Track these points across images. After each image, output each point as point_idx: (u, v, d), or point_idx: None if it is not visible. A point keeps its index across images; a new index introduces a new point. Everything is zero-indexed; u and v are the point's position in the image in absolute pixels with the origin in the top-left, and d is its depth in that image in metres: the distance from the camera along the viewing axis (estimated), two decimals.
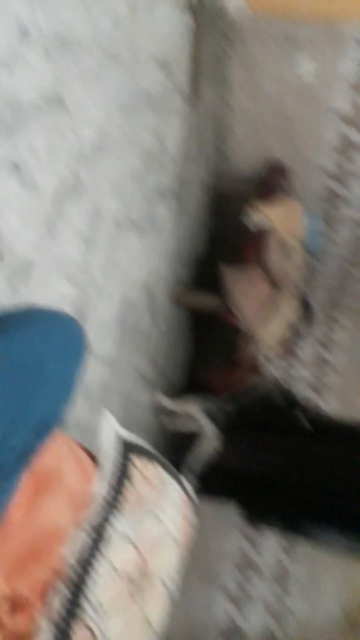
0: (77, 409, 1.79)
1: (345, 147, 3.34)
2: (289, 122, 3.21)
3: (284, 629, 3.38)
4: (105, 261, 1.81)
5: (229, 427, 3.27)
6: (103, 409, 1.15)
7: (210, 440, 3.15)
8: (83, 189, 1.53)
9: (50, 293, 1.49)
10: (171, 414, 3.31)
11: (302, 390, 4.41)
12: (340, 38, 2.85)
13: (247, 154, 3.38)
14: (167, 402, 3.19)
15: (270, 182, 3.43)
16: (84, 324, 1.73)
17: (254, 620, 3.43)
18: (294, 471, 3.45)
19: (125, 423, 1.19)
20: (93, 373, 1.88)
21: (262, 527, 3.62)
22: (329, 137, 3.28)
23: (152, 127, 1.92)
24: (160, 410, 3.26)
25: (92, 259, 1.72)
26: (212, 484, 3.61)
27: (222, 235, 3.72)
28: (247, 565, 3.60)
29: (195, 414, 3.25)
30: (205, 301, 3.11)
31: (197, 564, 3.55)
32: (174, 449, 3.85)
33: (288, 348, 4.23)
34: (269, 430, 3.80)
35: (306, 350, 4.55)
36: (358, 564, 3.49)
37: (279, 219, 3.23)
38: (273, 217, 3.21)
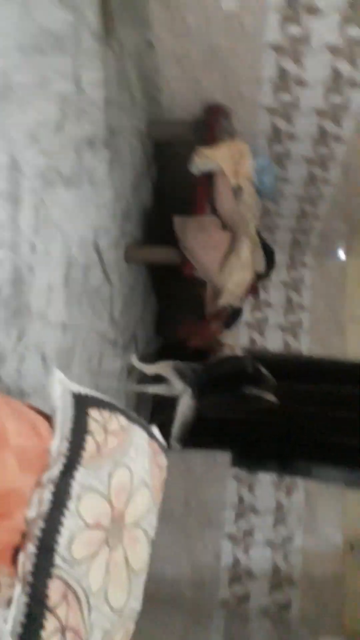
0: (35, 375, 1.72)
1: (284, 80, 3.22)
2: (220, 59, 3.06)
3: (288, 561, 3.47)
4: (36, 219, 1.71)
5: (204, 385, 3.25)
6: (53, 369, 1.09)
7: (185, 399, 3.13)
8: None
9: None
10: (144, 378, 3.27)
11: (276, 334, 4.43)
12: None
13: (181, 97, 3.24)
14: (138, 364, 3.15)
15: (211, 125, 3.30)
16: (25, 287, 1.64)
17: (258, 557, 3.52)
18: (280, 413, 3.48)
19: (94, 388, 1.15)
20: (46, 338, 1.81)
21: (257, 470, 3.67)
22: (266, 71, 3.15)
23: (63, 69, 1.79)
24: (133, 374, 3.22)
25: (20, 217, 1.62)
26: (201, 437, 3.63)
27: (168, 186, 3.61)
28: (246, 509, 3.67)
29: (168, 375, 3.21)
30: (160, 255, 3.03)
31: (199, 513, 3.61)
32: (152, 413, 3.84)
33: (255, 294, 4.21)
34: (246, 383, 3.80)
35: (274, 294, 4.54)
36: (353, 493, 3.58)
37: (225, 162, 3.12)
38: (219, 160, 3.09)
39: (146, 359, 3.29)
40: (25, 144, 1.61)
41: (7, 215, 1.54)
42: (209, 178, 3.10)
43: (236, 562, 3.51)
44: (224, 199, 3.07)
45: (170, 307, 3.85)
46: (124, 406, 1.18)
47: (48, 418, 1.08)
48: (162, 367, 3.17)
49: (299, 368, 3.94)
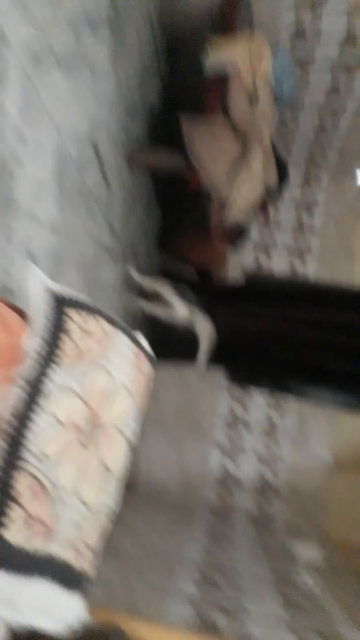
0: (22, 274, 1.64)
1: None
2: None
3: (275, 474, 3.60)
4: (24, 102, 1.54)
5: (203, 304, 3.18)
6: (28, 263, 1.00)
7: (203, 324, 3.09)
8: None
9: None
10: (142, 293, 3.18)
11: (282, 257, 4.29)
12: None
13: None
14: (137, 276, 3.05)
15: (230, 14, 2.96)
16: (11, 180, 1.51)
17: (246, 468, 3.65)
18: (279, 335, 3.44)
19: (89, 296, 1.09)
20: (35, 236, 1.70)
21: (250, 388, 3.72)
22: None
23: None
24: (131, 288, 3.14)
25: (5, 97, 1.45)
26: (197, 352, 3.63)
27: (178, 82, 3.31)
28: (237, 423, 3.75)
29: (168, 296, 3.13)
30: (164, 160, 2.82)
31: (190, 421, 3.71)
32: (149, 329, 3.82)
33: (265, 212, 4.01)
34: (249, 301, 3.74)
35: (284, 213, 4.34)
36: (346, 415, 3.64)
37: (241, 58, 2.81)
38: (235, 56, 2.79)
39: (146, 276, 3.19)
40: (12, 12, 1.41)
41: None
42: (222, 77, 2.82)
43: (224, 470, 3.65)
44: (237, 102, 2.81)
45: (174, 221, 3.68)
46: (120, 316, 1.12)
47: (23, 314, 1.02)
48: (163, 287, 3.07)
49: (302, 292, 3.85)
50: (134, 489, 3.31)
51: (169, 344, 3.69)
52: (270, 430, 3.72)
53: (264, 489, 3.62)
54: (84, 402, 0.95)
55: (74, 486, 0.89)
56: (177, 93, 3.33)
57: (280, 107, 3.54)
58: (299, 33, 3.25)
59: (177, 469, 3.57)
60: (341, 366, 3.27)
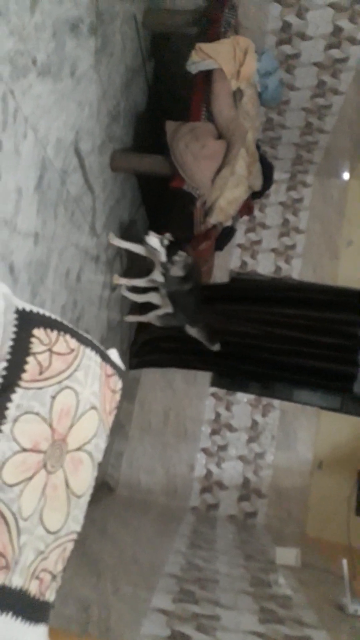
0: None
1: None
2: None
3: (258, 475, 3.64)
4: (3, 113, 1.52)
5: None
6: None
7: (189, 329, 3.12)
8: None
9: None
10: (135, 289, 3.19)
11: (268, 257, 4.31)
12: None
13: None
14: (117, 241, 2.95)
15: (215, 16, 2.94)
16: None
17: (230, 470, 3.69)
18: (262, 335, 3.47)
19: (72, 304, 1.07)
20: (15, 247, 1.69)
21: (237, 390, 3.75)
22: None
23: None
24: (117, 290, 3.13)
25: None
26: (185, 356, 3.65)
27: (164, 86, 3.29)
28: (222, 426, 3.78)
29: (155, 300, 3.16)
30: (149, 164, 2.81)
31: (176, 426, 3.73)
32: (136, 330, 3.82)
33: (250, 214, 4.02)
34: (234, 302, 3.75)
35: (270, 215, 4.36)
36: (326, 413, 3.68)
37: (226, 61, 2.80)
38: (219, 58, 2.77)
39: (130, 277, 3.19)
40: None
41: None
42: (207, 79, 2.81)
43: (209, 473, 3.68)
44: (221, 104, 2.80)
45: (159, 221, 3.68)
46: (104, 326, 1.11)
47: None
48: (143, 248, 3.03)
49: (286, 293, 3.87)
50: (117, 494, 3.33)
51: (155, 347, 3.71)
52: (253, 430, 3.76)
53: (246, 489, 3.66)
54: (49, 424, 0.93)
55: (39, 515, 0.87)
56: (162, 97, 3.31)
57: (266, 107, 3.54)
58: (284, 34, 3.25)
59: (162, 474, 3.59)
60: (323, 365, 3.31)
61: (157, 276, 2.95)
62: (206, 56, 2.76)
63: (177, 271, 2.87)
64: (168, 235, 2.84)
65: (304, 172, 4.48)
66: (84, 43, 2.01)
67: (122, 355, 1.26)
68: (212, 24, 2.91)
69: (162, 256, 2.80)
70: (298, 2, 3.07)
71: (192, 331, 3.16)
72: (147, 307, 3.30)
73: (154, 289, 3.13)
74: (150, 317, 3.23)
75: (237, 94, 2.92)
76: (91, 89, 2.17)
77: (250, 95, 3.04)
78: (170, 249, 2.83)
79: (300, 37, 3.26)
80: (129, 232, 3.22)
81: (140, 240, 2.88)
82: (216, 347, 3.22)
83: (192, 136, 2.74)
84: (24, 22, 1.56)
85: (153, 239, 2.76)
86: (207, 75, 2.79)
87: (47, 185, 1.85)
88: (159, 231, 2.88)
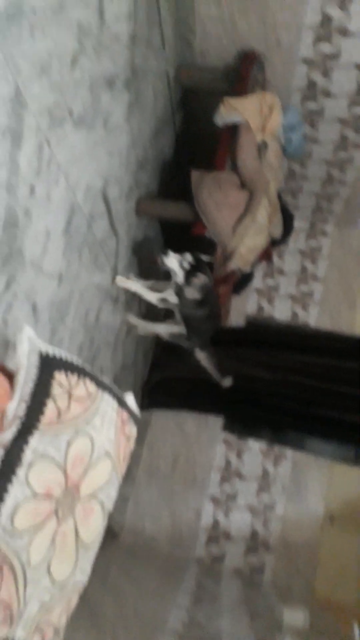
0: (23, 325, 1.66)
1: (327, 29, 2.96)
2: (261, 1, 2.82)
3: (266, 527, 3.53)
4: (39, 160, 1.60)
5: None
6: (24, 325, 1.01)
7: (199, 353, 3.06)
8: None
9: None
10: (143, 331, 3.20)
11: (285, 304, 4.32)
12: None
13: (214, 41, 3.00)
14: (134, 321, 3.04)
15: (244, 73, 3.07)
16: (20, 233, 1.55)
17: (238, 521, 3.58)
18: (277, 382, 3.44)
19: (89, 343, 1.08)
20: (39, 287, 1.73)
21: (248, 437, 3.69)
22: (309, 18, 2.89)
23: None
24: (132, 331, 3.16)
25: (20, 156, 1.50)
26: (197, 399, 3.62)
27: (191, 136, 3.41)
28: (232, 474, 3.70)
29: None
30: (173, 211, 2.89)
31: (185, 472, 3.66)
32: (150, 369, 3.82)
33: (269, 261, 4.07)
34: (249, 347, 3.75)
35: (288, 261, 4.40)
36: (339, 466, 3.59)
37: (252, 115, 2.91)
38: (246, 112, 2.89)
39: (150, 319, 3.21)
40: (33, 75, 1.47)
41: (5, 153, 1.43)
42: (233, 131, 2.92)
43: (216, 523, 3.58)
44: (246, 155, 2.89)
45: None
46: (118, 365, 1.12)
47: (9, 374, 1.02)
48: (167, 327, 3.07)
49: (303, 340, 3.86)
50: (121, 539, 3.24)
51: (168, 387, 3.70)
52: (264, 480, 3.67)
53: (254, 541, 3.54)
54: (63, 470, 0.93)
55: (47, 564, 0.85)
56: (189, 146, 3.43)
57: (290, 159, 3.64)
58: (309, 92, 3.37)
59: (168, 521, 3.50)
60: (339, 416, 3.26)
61: (171, 296, 2.75)
62: (233, 110, 2.87)
63: (193, 293, 2.65)
64: (188, 256, 2.62)
65: (324, 221, 4.54)
66: (118, 96, 2.11)
67: (134, 395, 1.26)
68: (241, 80, 3.04)
69: (180, 278, 2.60)
70: (324, 62, 3.19)
71: (201, 355, 3.03)
72: (158, 317, 3.24)
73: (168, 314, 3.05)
74: (158, 329, 3.11)
75: (262, 147, 3.01)
76: (122, 138, 2.26)
77: (275, 148, 3.13)
78: (190, 273, 2.64)
79: (325, 95, 3.37)
80: (149, 272, 3.28)
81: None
82: (227, 382, 3.16)
83: (215, 185, 2.83)
84: (65, 79, 1.65)
85: (172, 260, 2.54)
86: (233, 128, 2.90)
87: (74, 229, 1.90)
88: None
